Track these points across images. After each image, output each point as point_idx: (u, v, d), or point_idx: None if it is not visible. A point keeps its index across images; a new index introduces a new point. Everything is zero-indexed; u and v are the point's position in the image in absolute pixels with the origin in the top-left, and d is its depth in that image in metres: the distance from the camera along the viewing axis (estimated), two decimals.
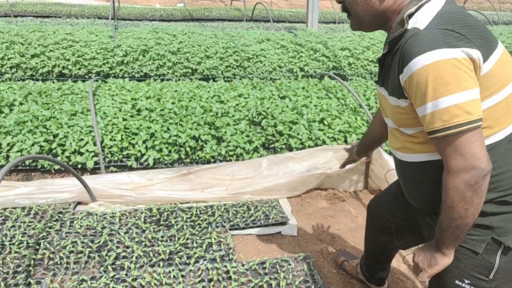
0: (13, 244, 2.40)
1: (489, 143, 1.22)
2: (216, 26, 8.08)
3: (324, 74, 5.10)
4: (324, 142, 3.58)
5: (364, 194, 3.29)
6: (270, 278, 2.22)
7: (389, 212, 1.80)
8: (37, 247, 2.40)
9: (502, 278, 1.29)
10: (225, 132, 3.54)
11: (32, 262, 2.27)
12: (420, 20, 1.20)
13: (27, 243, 2.42)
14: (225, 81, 5.06)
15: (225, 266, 2.29)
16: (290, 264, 2.34)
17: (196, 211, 2.85)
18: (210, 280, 2.19)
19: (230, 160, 3.42)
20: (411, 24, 1.21)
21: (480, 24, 1.21)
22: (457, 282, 1.33)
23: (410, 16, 1.23)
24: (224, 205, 2.95)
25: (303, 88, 4.55)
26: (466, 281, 1.31)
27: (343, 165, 2.19)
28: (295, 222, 2.84)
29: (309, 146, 3.53)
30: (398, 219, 1.76)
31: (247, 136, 3.57)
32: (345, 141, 3.64)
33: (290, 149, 3.56)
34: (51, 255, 2.32)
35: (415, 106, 1.20)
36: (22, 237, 2.47)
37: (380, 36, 6.26)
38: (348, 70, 5.52)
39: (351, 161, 2.13)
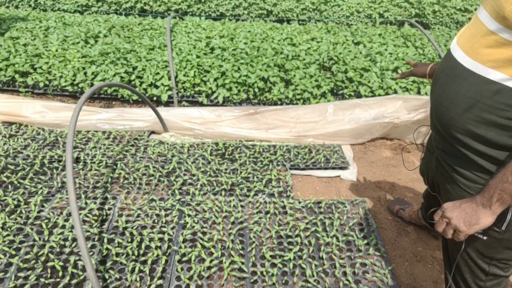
0: (94, 162, 2.67)
1: None
2: None
3: (404, 20, 4.84)
4: (395, 92, 3.48)
5: None
6: (325, 217, 2.30)
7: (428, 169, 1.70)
8: (114, 167, 2.65)
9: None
10: (294, 75, 3.55)
11: (109, 179, 2.52)
12: None
13: (106, 163, 2.68)
14: (299, 24, 4.99)
15: (282, 202, 2.40)
16: (345, 206, 2.40)
17: (259, 148, 2.95)
18: (267, 213, 2.31)
19: (297, 104, 3.46)
20: None
21: None
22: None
23: None
24: (287, 146, 3.03)
25: (379, 34, 4.38)
26: (480, 231, 1.23)
27: (403, 75, 1.86)
28: (356, 168, 2.86)
29: (380, 95, 3.46)
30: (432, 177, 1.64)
31: (316, 80, 3.56)
32: (418, 92, 3.52)
33: (359, 96, 3.51)
34: (126, 175, 2.56)
35: None
36: (101, 157, 2.73)
37: None
38: (432, 18, 5.19)
39: (417, 75, 1.79)
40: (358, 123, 3.12)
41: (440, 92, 1.28)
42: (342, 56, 3.76)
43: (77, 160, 2.70)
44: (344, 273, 1.96)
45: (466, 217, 1.19)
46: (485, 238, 1.26)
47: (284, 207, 2.37)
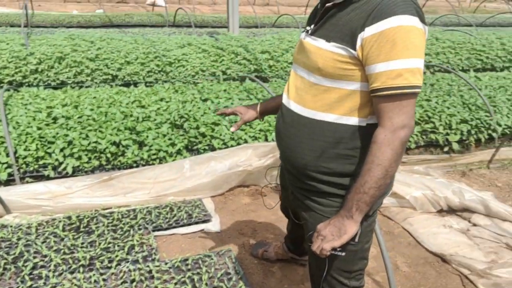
0: None
1: None
2: (137, 32, 7.96)
3: (245, 76, 5.24)
4: (246, 141, 3.69)
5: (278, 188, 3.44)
6: (193, 274, 2.27)
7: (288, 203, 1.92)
8: None
9: (364, 239, 1.47)
10: (147, 136, 3.54)
11: None
12: None
13: None
14: (146, 86, 5.04)
15: (148, 266, 2.31)
16: (212, 259, 2.41)
17: (118, 215, 2.83)
18: (133, 281, 2.20)
19: (153, 164, 3.43)
20: None
21: None
22: (332, 251, 1.40)
23: None
24: (147, 208, 2.96)
25: (224, 90, 4.65)
26: (338, 248, 1.40)
27: (237, 126, 1.87)
28: (218, 219, 2.92)
29: (232, 146, 3.63)
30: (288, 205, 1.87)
31: (170, 139, 3.59)
32: (266, 139, 3.79)
33: (213, 149, 3.64)
34: None
35: (372, 61, 1.25)
36: None
37: (297, 39, 6.52)
38: (268, 72, 5.71)
39: (250, 120, 1.92)
40: (215, 175, 3.22)
41: (287, 141, 1.51)
42: (192, 113, 3.88)
43: None
44: None
45: (336, 230, 1.36)
46: (343, 254, 1.43)
47: (150, 271, 2.28)
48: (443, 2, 12.48)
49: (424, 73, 5.78)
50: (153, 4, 11.43)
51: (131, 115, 3.79)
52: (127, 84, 5.04)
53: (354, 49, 1.27)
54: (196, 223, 2.84)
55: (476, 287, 2.37)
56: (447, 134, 4.13)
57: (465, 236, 2.80)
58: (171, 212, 2.91)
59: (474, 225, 2.90)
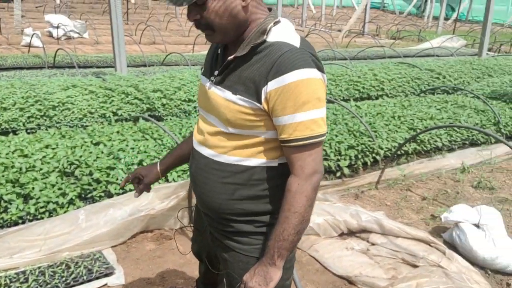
0: None
1: None
2: (13, 76, 7.33)
3: (138, 116, 5.09)
4: None
5: (191, 229, 3.34)
6: None
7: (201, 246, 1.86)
8: None
9: (285, 276, 1.47)
10: (33, 188, 3.22)
11: None
12: (289, 38, 1.32)
13: None
14: (28, 133, 4.62)
15: None
16: None
17: (5, 280, 2.49)
18: None
19: (42, 218, 3.12)
20: (276, 36, 1.32)
21: None
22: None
23: (270, 29, 1.33)
24: (39, 268, 2.66)
25: (117, 132, 4.45)
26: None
27: (140, 191, 1.81)
28: (122, 271, 2.72)
29: (130, 190, 3.45)
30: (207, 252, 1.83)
31: (59, 189, 3.31)
32: (166, 180, 3.67)
33: (110, 196, 3.42)
34: None
35: (278, 114, 1.29)
36: None
37: (189, 77, 6.56)
38: (162, 111, 5.62)
39: (152, 182, 1.81)
40: (115, 223, 3.02)
41: (202, 185, 1.51)
42: (83, 159, 3.63)
43: None
44: None
45: (262, 279, 1.37)
46: None
47: None
48: (319, 38, 13.57)
49: None
50: (29, 45, 10.67)
51: (12, 166, 3.42)
52: (5, 133, 4.58)
53: (260, 102, 1.31)
54: (97, 278, 2.61)
55: None
56: (338, 160, 4.41)
57: (366, 256, 2.96)
58: (68, 270, 2.64)
59: (372, 244, 3.09)
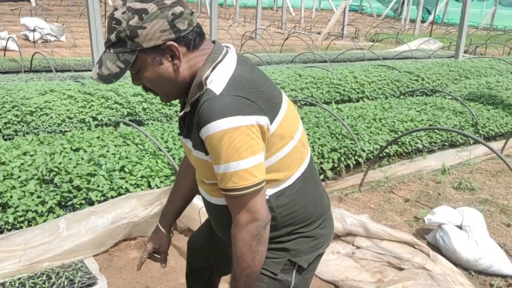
0: None
1: (280, 189, 1.39)
2: None
3: (119, 121, 5.01)
4: (127, 190, 3.48)
5: (174, 236, 3.29)
6: None
7: (205, 248, 1.84)
8: None
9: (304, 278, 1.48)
10: (11, 196, 3.13)
11: None
12: (215, 83, 1.25)
13: None
14: (5, 139, 4.50)
15: None
16: None
17: None
18: None
19: (21, 227, 3.03)
20: (208, 83, 1.26)
21: (267, 83, 1.36)
22: None
23: (207, 77, 1.27)
24: (19, 279, 2.58)
25: (98, 137, 4.37)
26: None
27: (164, 260, 1.84)
28: (105, 280, 2.66)
29: (112, 197, 3.38)
30: (214, 253, 1.82)
31: (39, 197, 3.22)
32: (149, 186, 3.61)
33: (91, 203, 3.35)
34: None
35: (212, 163, 1.29)
36: None
37: None
38: (143, 115, 5.55)
39: (167, 246, 1.81)
40: (97, 232, 2.95)
41: (211, 219, 1.63)
42: (63, 166, 3.54)
43: None
44: None
45: None
46: None
47: None
48: (299, 41, 13.64)
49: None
50: (5, 49, 10.42)
51: None
52: None
53: (207, 153, 1.30)
54: None
55: None
56: (321, 163, 4.42)
57: (351, 259, 2.97)
58: (49, 281, 2.57)
59: (358, 247, 3.10)
